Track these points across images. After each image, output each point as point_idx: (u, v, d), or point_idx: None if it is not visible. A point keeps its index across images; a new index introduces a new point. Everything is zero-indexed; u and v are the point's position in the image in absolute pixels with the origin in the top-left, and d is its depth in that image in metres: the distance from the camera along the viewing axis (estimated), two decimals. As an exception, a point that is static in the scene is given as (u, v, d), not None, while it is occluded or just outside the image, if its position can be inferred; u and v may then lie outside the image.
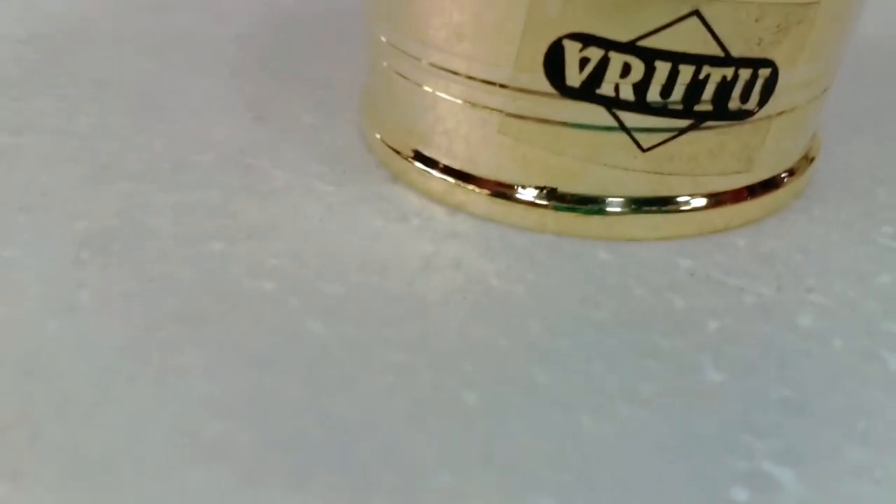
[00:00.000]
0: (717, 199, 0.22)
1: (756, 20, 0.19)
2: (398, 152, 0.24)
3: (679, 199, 0.22)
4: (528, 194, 0.22)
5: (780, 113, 0.21)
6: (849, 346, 0.18)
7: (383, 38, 0.23)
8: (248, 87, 0.28)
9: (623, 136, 0.20)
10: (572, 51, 0.19)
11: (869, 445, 0.16)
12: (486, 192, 0.22)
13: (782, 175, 0.23)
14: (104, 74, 0.28)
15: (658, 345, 0.18)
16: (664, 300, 0.19)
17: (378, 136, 0.25)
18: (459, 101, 0.22)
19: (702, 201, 0.22)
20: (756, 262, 0.21)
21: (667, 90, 0.20)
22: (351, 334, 0.18)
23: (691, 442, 0.16)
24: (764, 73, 0.20)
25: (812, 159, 0.24)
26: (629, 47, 0.19)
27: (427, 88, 0.22)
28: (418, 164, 0.23)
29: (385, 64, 0.23)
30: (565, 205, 0.22)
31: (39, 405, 0.16)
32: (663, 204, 0.22)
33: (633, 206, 0.22)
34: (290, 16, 0.34)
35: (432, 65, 0.21)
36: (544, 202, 0.22)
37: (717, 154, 0.21)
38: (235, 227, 0.21)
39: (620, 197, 0.21)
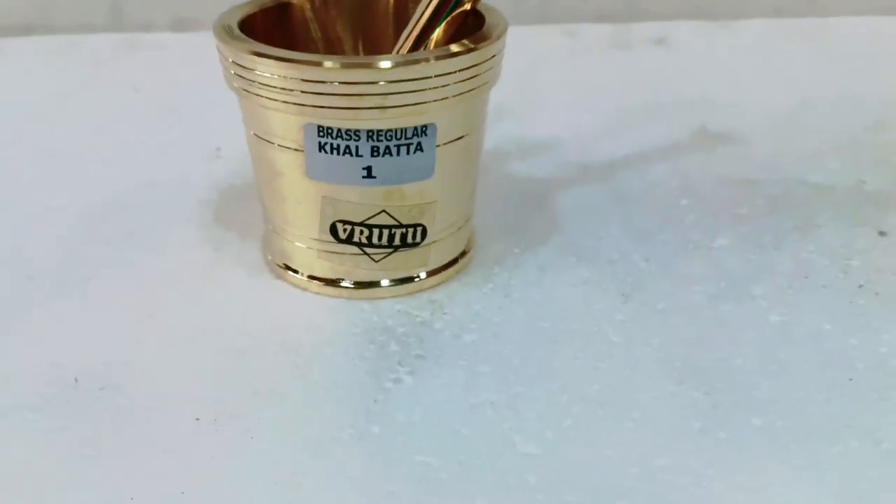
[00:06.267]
0: (417, 278, 0.51)
1: (409, 210, 0.48)
2: (279, 265, 0.53)
3: (400, 279, 0.51)
4: (335, 283, 0.51)
5: (434, 241, 0.50)
6: (470, 338, 0.47)
7: (268, 217, 0.52)
8: (206, 234, 0.57)
9: (367, 258, 0.49)
10: (339, 226, 0.48)
11: (441, 366, 0.45)
12: (315, 282, 0.51)
13: (455, 260, 0.52)
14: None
15: (375, 338, 0.47)
16: (383, 321, 0.48)
17: (270, 257, 0.53)
18: (302, 245, 0.50)
19: (410, 280, 0.51)
20: (429, 304, 0.50)
21: (380, 238, 0.49)
22: (242, 341, 0.46)
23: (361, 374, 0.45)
24: (420, 228, 0.49)
25: (466, 252, 0.54)
26: (362, 224, 0.48)
27: (288, 239, 0.51)
28: (288, 273, 0.52)
29: (270, 227, 0.52)
30: (351, 286, 0.51)
31: None
32: (393, 282, 0.51)
33: (380, 284, 0.51)
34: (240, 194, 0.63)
35: (290, 229, 0.50)
36: (341, 286, 0.51)
37: (409, 260, 0.50)
38: (188, 301, 0.50)
39: (374, 281, 0.50)
